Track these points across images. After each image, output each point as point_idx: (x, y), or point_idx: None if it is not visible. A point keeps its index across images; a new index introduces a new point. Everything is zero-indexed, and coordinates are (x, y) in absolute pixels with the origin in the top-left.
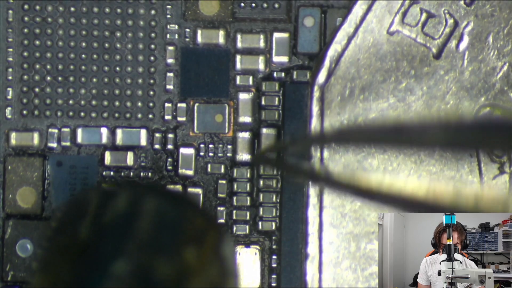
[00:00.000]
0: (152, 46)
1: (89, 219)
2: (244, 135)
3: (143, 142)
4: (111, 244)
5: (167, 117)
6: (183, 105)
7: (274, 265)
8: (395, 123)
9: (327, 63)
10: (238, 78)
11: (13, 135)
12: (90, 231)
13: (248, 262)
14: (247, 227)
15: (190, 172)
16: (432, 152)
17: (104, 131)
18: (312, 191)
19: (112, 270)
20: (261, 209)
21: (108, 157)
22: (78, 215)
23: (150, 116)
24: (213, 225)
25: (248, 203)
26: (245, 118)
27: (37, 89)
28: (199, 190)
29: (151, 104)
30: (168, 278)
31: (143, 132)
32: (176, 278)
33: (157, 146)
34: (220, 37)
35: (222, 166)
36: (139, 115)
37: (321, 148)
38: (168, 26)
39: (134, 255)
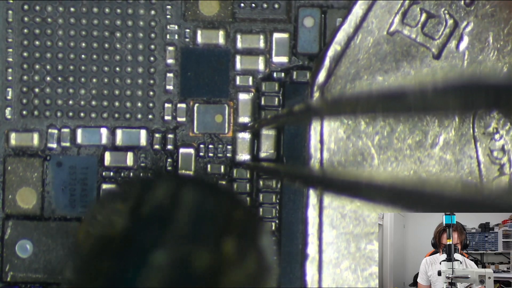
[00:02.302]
0: (152, 46)
1: (128, 210)
2: (244, 136)
3: (143, 142)
4: (150, 235)
5: (167, 118)
6: (183, 105)
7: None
8: (387, 90)
9: (327, 63)
10: (238, 78)
11: (13, 135)
12: (129, 222)
13: None
14: None
15: (190, 173)
16: (423, 116)
17: (104, 131)
18: (312, 191)
19: (151, 261)
20: (261, 210)
21: (108, 158)
22: (117, 206)
23: (150, 116)
24: (251, 217)
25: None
26: (245, 118)
27: (37, 90)
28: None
29: (151, 105)
30: (207, 270)
31: (143, 132)
32: (214, 269)
33: (157, 147)
34: (220, 37)
35: (222, 167)
36: (139, 116)
37: (321, 118)
38: (168, 27)
39: (173, 246)
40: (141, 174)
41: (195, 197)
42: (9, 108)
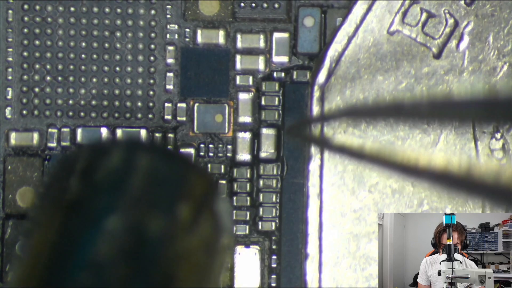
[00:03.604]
0: (152, 46)
1: (80, 175)
2: (244, 135)
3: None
4: (104, 200)
5: (167, 117)
6: (183, 105)
7: (274, 265)
8: (392, 102)
9: (327, 63)
10: (238, 78)
11: (13, 135)
12: (81, 187)
13: (247, 262)
14: (247, 227)
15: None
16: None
17: (104, 131)
18: (312, 191)
19: (105, 227)
20: (261, 209)
21: None
22: (69, 171)
23: (150, 116)
24: (207, 181)
25: (248, 203)
26: (245, 118)
27: (37, 89)
28: None
29: (151, 104)
30: (161, 235)
31: (143, 132)
32: (169, 234)
33: None
34: (220, 37)
35: (222, 166)
36: (139, 115)
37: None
38: (168, 26)
39: (127, 211)
40: (95, 141)
41: (149, 162)
42: (9, 108)
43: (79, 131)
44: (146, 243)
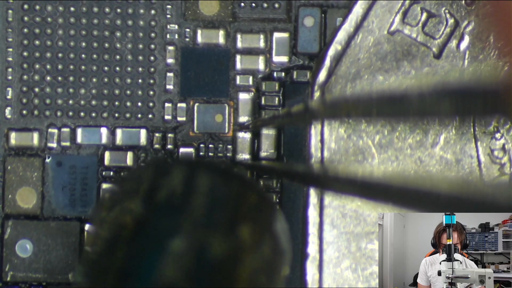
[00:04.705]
0: (152, 46)
1: (143, 197)
2: (244, 135)
3: (143, 142)
4: (167, 222)
5: (167, 117)
6: (183, 105)
7: None
8: (384, 94)
9: (327, 62)
10: (238, 78)
11: (12, 135)
12: (144, 209)
13: None
14: None
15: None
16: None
17: (104, 131)
18: (312, 191)
19: (169, 248)
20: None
21: (108, 157)
22: (133, 193)
23: (150, 116)
24: (265, 202)
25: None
26: (245, 118)
27: (36, 89)
28: None
29: (151, 104)
30: (223, 256)
31: (143, 132)
32: (231, 255)
33: (157, 146)
34: (220, 37)
35: None
36: (139, 115)
37: (321, 121)
38: (168, 26)
39: (189, 233)
40: (154, 160)
41: (209, 183)
42: (9, 108)
43: (79, 131)
44: (209, 264)
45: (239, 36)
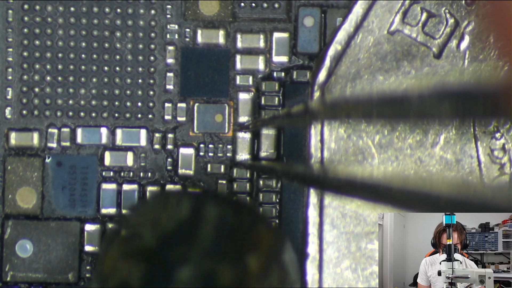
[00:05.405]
0: (152, 46)
1: (152, 226)
2: (244, 135)
3: (143, 142)
4: (176, 251)
5: (167, 117)
6: (183, 105)
7: None
8: (384, 95)
9: (327, 62)
10: (238, 78)
11: (12, 135)
12: (153, 237)
13: None
14: None
15: (190, 172)
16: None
17: (104, 131)
18: (312, 191)
19: (178, 277)
20: (261, 209)
21: (108, 157)
22: (140, 222)
23: (150, 116)
24: (273, 232)
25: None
26: (245, 118)
27: (36, 89)
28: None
29: (151, 104)
30: (230, 284)
31: (143, 132)
32: (238, 285)
33: (157, 146)
34: (220, 37)
35: (222, 166)
36: (139, 115)
37: (321, 122)
38: (168, 26)
39: (198, 262)
40: (165, 190)
41: (218, 213)
42: (9, 108)
43: (79, 131)
44: None
45: (239, 36)
